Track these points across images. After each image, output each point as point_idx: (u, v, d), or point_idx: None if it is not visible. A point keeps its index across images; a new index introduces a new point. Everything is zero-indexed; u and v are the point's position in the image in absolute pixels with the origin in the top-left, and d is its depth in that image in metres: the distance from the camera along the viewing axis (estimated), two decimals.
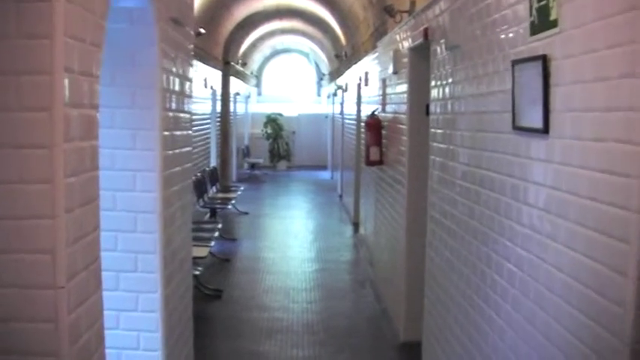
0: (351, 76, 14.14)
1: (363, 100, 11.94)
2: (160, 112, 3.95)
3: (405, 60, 6.75)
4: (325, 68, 23.92)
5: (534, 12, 3.14)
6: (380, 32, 9.50)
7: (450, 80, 4.89)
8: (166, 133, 4.09)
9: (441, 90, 5.19)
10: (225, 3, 13.29)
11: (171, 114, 4.22)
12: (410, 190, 6.63)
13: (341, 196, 17.27)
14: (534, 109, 3.11)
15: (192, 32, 4.96)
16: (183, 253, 4.76)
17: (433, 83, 5.46)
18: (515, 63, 3.37)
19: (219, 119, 16.38)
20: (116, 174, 3.93)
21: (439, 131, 5.24)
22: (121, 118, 3.90)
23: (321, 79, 26.21)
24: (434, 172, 5.43)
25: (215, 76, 14.94)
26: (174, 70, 4.30)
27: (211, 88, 14.15)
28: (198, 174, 12.37)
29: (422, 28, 5.59)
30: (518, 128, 3.36)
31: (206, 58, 13.39)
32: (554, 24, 2.91)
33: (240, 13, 15.01)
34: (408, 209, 6.63)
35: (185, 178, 4.73)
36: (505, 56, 3.59)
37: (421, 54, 6.25)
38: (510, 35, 3.52)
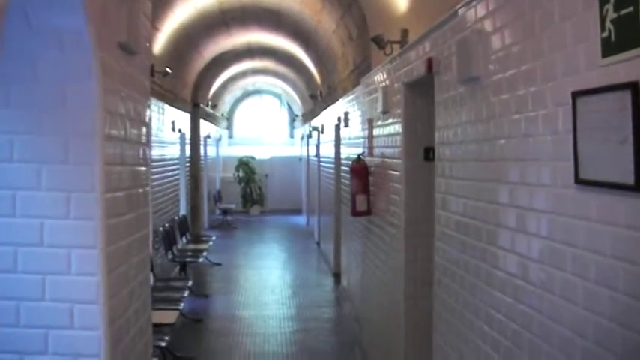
0: (327, 116, 13.39)
1: (342, 142, 11.15)
2: (102, 168, 2.98)
3: (398, 97, 5.91)
4: (298, 109, 23.25)
5: (609, 25, 2.29)
6: (362, 69, 8.70)
7: (464, 120, 4.04)
8: (111, 195, 3.12)
9: (451, 132, 4.34)
10: (193, 42, 12.46)
11: (118, 169, 3.24)
12: (407, 247, 5.75)
13: (318, 243, 16.36)
14: (617, 156, 2.24)
15: (147, 63, 4.00)
16: (141, 345, 3.77)
17: (440, 123, 4.60)
18: (577, 95, 2.52)
19: (188, 163, 15.51)
20: (45, 252, 2.94)
21: (450, 182, 4.37)
22: (50, 176, 2.91)
23: (294, 120, 25.52)
24: (442, 229, 4.56)
25: (184, 118, 14.13)
26: (122, 111, 3.35)
27: (179, 131, 13.31)
28: (167, 224, 11.46)
29: (425, 59, 4.76)
30: (584, 182, 2.49)
31: (173, 100, 12.55)
32: None
33: (209, 52, 14.19)
34: (406, 270, 5.73)
35: (141, 249, 3.76)
36: (556, 87, 2.74)
37: (420, 90, 5.44)
38: (564, 59, 2.67)
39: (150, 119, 9.71)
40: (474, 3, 3.81)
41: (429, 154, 5.65)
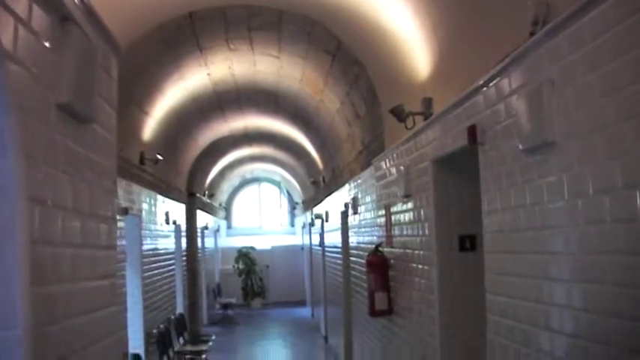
0: (332, 203, 12.48)
1: (351, 229, 10.18)
2: (25, 290, 1.91)
3: (424, 178, 4.99)
4: (299, 197, 22.41)
5: None
6: (372, 149, 7.81)
7: (530, 200, 3.09)
8: (46, 328, 2.08)
9: (508, 216, 3.39)
10: (186, 127, 11.65)
11: (56, 289, 2.20)
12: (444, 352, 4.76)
13: (326, 338, 15.18)
14: None
15: (110, 136, 2.95)
16: None
17: (489, 205, 3.66)
18: None
19: (185, 257, 14.50)
20: None
21: (509, 280, 3.40)
22: None
23: (295, 208, 24.65)
24: (496, 338, 3.57)
25: (179, 209, 13.25)
26: (68, 203, 2.38)
27: (174, 222, 12.39)
28: (162, 325, 10.39)
29: (464, 128, 3.84)
30: None
31: (167, 190, 11.67)
32: None
33: (204, 138, 13.38)
34: None
35: None
36: None
37: (453, 167, 4.57)
38: None
39: (141, 210, 8.78)
40: (540, 46, 2.93)
41: (464, 243, 4.73)
